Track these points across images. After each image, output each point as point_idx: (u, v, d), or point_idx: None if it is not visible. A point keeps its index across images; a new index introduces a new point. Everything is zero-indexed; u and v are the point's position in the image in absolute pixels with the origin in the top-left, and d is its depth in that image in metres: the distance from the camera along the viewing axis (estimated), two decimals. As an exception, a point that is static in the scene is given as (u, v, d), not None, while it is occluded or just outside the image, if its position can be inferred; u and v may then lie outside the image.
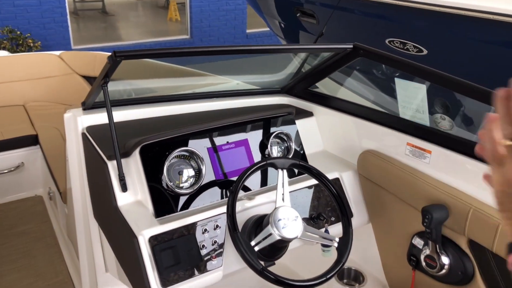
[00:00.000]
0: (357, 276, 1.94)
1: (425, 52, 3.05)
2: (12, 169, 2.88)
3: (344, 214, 1.52)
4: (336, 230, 1.70)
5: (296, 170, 1.80)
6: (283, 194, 1.47)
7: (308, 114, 2.05)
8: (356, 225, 1.81)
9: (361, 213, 1.83)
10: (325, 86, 2.53)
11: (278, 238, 1.37)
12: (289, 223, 1.40)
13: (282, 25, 6.04)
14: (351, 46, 1.68)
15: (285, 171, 1.50)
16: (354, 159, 1.89)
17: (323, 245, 1.69)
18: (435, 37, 2.95)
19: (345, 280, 1.94)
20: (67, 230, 2.54)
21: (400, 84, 1.65)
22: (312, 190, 1.74)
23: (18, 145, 2.88)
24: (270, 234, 1.38)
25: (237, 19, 10.37)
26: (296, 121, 1.94)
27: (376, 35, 3.85)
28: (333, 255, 1.53)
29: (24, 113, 3.27)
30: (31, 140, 2.92)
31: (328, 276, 1.39)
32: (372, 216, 1.85)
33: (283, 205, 1.44)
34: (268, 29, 6.64)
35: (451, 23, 2.79)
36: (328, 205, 1.74)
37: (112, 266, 1.81)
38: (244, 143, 1.75)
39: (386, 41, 3.72)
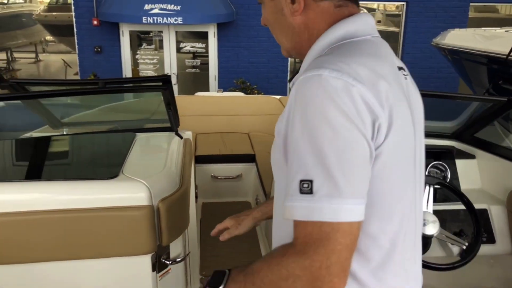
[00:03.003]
0: (496, 299, 2.18)
1: None
2: (234, 177, 3.86)
3: (477, 226, 1.88)
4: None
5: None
6: (427, 203, 1.92)
7: (470, 156, 2.41)
8: (499, 252, 2.09)
9: (504, 242, 2.10)
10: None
11: None
12: (428, 224, 1.84)
13: (486, 92, 6.15)
14: (506, 99, 2.05)
15: (432, 187, 1.94)
16: (505, 197, 2.18)
17: None
18: None
19: (484, 302, 2.19)
20: (264, 227, 3.32)
21: (548, 132, 1.94)
22: (460, 213, 2.11)
23: (241, 160, 3.86)
24: None
25: (447, 86, 10.40)
26: (459, 160, 2.33)
27: None
28: (470, 267, 1.89)
29: (248, 139, 4.29)
30: (250, 158, 3.87)
31: (452, 266, 1.79)
32: None
33: (426, 211, 1.89)
34: (472, 96, 6.76)
35: None
36: (471, 226, 2.08)
37: None
38: None
39: None
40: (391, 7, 10.35)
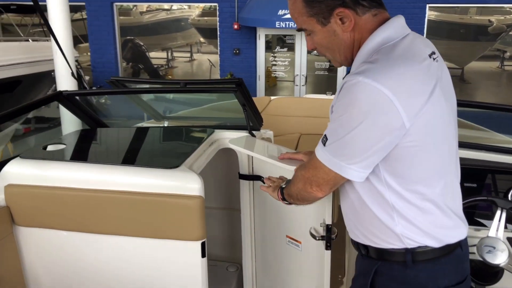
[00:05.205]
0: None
1: None
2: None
3: None
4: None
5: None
6: (497, 229, 1.72)
7: None
8: None
9: None
10: None
11: (479, 259, 1.63)
12: (495, 251, 1.64)
13: None
14: None
15: (504, 211, 1.75)
16: None
17: None
18: None
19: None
20: None
21: None
22: None
23: None
24: (473, 253, 1.57)
25: None
26: None
27: None
28: None
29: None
30: None
31: None
32: None
33: (496, 237, 1.69)
34: None
35: None
36: None
37: None
38: (488, 187, 2.20)
39: None
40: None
